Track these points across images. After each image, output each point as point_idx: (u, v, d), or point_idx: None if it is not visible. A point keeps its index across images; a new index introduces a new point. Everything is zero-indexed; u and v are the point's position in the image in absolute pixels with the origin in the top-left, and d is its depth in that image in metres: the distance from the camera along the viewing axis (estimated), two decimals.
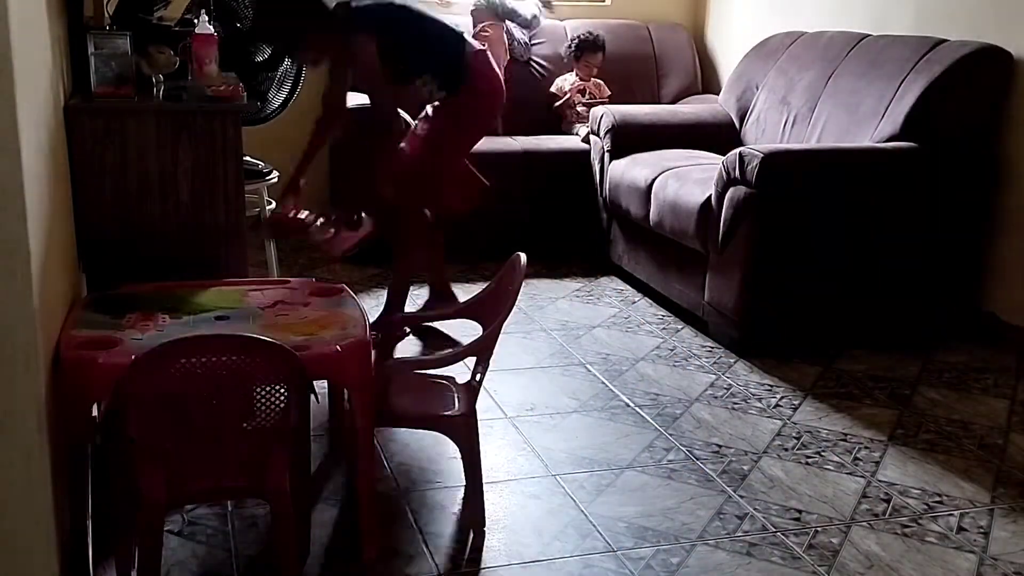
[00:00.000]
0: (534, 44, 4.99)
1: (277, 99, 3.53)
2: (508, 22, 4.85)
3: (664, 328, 3.72)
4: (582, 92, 4.86)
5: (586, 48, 4.84)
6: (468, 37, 3.35)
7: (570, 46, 4.89)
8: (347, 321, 2.16)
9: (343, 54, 3.14)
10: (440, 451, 2.61)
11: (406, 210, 3.38)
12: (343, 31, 3.10)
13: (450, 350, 2.35)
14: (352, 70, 3.19)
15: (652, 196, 3.81)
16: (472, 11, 4.82)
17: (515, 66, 4.86)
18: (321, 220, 3.24)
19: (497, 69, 3.39)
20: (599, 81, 4.91)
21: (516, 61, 4.87)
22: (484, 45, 3.46)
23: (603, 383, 3.16)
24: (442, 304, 3.41)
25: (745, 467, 2.62)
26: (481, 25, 4.73)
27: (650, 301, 4.03)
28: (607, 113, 4.34)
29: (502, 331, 2.19)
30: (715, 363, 3.37)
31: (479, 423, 2.28)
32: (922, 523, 2.36)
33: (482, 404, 2.62)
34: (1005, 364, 3.42)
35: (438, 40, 3.26)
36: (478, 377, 2.26)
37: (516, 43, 4.87)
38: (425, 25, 3.26)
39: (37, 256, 1.67)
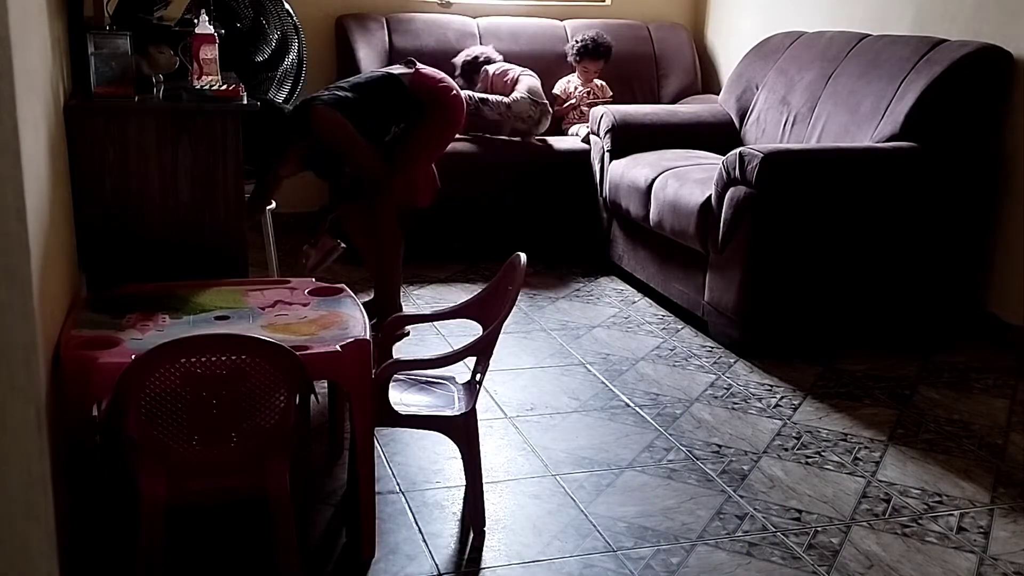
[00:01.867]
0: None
1: (277, 99, 3.53)
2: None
3: (664, 328, 3.72)
4: (587, 93, 4.86)
5: (586, 55, 4.82)
6: (395, 70, 3.43)
7: (573, 47, 4.88)
8: (347, 321, 2.16)
9: (335, 138, 3.24)
10: (440, 451, 2.61)
11: (383, 210, 3.40)
12: (304, 122, 3.21)
13: (450, 350, 2.35)
14: (329, 140, 3.26)
15: (652, 196, 3.81)
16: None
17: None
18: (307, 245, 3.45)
19: (437, 74, 3.47)
20: (602, 83, 4.91)
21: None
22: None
23: (603, 383, 3.16)
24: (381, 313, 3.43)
25: (745, 467, 2.62)
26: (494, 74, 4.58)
27: (650, 301, 4.03)
28: (607, 113, 4.34)
29: (502, 331, 2.19)
30: (715, 363, 3.37)
31: (479, 423, 2.29)
32: (922, 523, 2.36)
33: (482, 404, 2.63)
34: (1005, 364, 3.42)
35: (383, 93, 3.36)
36: (478, 377, 2.26)
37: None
38: (371, 88, 3.36)
39: (37, 256, 1.67)
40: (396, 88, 3.37)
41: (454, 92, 3.46)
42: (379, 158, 3.34)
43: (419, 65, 3.46)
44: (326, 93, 3.28)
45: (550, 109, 4.55)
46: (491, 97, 4.48)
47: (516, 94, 4.44)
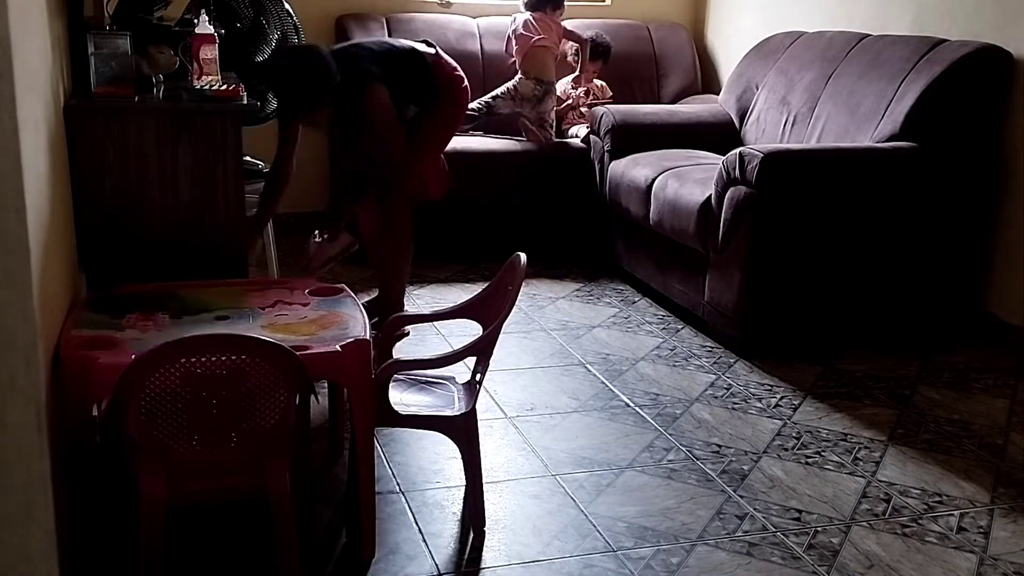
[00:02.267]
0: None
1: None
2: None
3: (664, 328, 3.72)
4: (586, 93, 4.86)
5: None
6: (419, 47, 3.41)
7: (573, 47, 4.87)
8: (347, 321, 2.16)
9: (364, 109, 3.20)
10: (440, 451, 2.61)
11: (397, 206, 3.38)
12: (352, 88, 3.15)
13: (450, 350, 2.35)
14: (370, 123, 3.22)
15: (652, 196, 3.81)
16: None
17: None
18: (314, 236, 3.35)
19: (453, 63, 3.47)
20: (602, 83, 4.91)
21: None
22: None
23: (603, 383, 3.16)
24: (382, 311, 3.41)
25: (745, 467, 2.62)
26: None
27: (650, 301, 4.03)
28: (607, 113, 4.35)
29: (502, 331, 2.19)
30: (715, 363, 3.37)
31: (479, 423, 2.29)
32: (922, 523, 2.36)
33: (482, 404, 2.63)
34: (1005, 364, 3.42)
35: (407, 68, 3.33)
36: (478, 377, 2.26)
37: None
38: (395, 61, 3.32)
39: (37, 256, 1.67)
40: (420, 66, 3.34)
41: (465, 85, 3.47)
42: (406, 149, 3.31)
43: (439, 49, 3.46)
44: (374, 67, 3.21)
45: (555, 88, 4.61)
46: (498, 90, 4.57)
47: (519, 76, 4.55)
